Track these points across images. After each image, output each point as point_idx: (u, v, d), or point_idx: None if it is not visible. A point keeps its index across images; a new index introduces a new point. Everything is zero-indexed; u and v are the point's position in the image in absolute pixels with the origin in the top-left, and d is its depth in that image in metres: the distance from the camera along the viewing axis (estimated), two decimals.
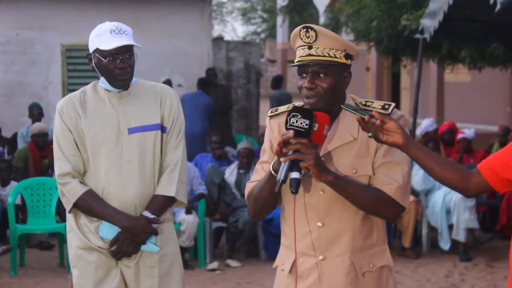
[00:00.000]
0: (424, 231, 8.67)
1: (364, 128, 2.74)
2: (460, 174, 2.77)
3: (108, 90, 3.84)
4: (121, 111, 3.83)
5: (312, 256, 2.94)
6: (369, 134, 2.74)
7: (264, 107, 19.25)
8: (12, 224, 7.73)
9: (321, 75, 2.86)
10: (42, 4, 12.49)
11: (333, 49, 2.86)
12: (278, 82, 14.84)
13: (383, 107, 2.92)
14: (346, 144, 2.91)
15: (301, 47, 2.90)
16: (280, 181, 2.70)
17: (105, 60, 3.74)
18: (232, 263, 8.17)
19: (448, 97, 17.73)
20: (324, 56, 2.85)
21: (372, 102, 2.96)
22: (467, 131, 10.19)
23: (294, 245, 2.94)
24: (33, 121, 10.53)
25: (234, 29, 66.47)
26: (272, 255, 8.36)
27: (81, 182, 3.80)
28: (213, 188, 8.38)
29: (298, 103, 3.04)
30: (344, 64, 2.90)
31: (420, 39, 9.04)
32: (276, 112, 3.05)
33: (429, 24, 8.42)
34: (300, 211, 2.93)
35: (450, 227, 8.59)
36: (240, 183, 8.42)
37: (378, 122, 2.70)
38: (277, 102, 13.33)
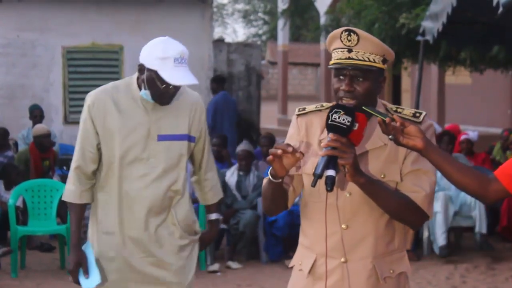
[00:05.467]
0: (425, 233, 8.67)
1: (384, 130, 2.72)
2: (479, 181, 2.75)
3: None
4: (154, 116, 3.85)
5: (334, 257, 2.93)
6: (390, 137, 2.72)
7: (265, 109, 19.23)
8: (13, 226, 7.72)
9: (360, 79, 2.85)
10: (43, 6, 12.49)
11: (372, 53, 2.85)
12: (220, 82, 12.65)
13: (414, 115, 2.91)
14: (377, 148, 2.90)
15: (339, 49, 2.88)
16: (317, 175, 2.67)
17: (159, 84, 3.73)
18: (233, 265, 8.17)
19: (449, 99, 17.73)
20: (364, 60, 2.84)
21: (403, 109, 2.95)
22: (470, 133, 10.20)
23: (325, 245, 2.92)
24: (34, 123, 10.53)
25: (235, 31, 66.54)
26: (272, 257, 8.37)
27: (87, 180, 3.89)
28: None
29: (326, 103, 3.01)
30: (381, 68, 2.90)
31: (421, 41, 9.03)
32: (304, 111, 3.04)
33: (431, 26, 8.42)
34: (325, 212, 2.91)
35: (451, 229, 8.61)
36: (240, 185, 8.42)
37: (398, 124, 2.69)
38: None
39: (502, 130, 11.59)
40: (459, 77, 17.68)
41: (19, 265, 7.92)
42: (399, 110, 2.94)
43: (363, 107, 2.78)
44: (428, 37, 8.66)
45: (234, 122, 12.09)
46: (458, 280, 7.74)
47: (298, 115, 3.05)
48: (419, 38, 9.04)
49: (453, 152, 9.00)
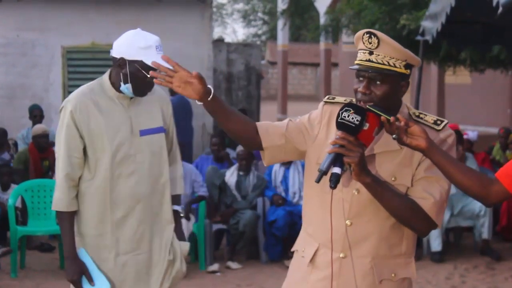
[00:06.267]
0: None
1: (388, 130, 2.73)
2: (480, 182, 2.75)
3: (121, 93, 3.88)
4: (132, 112, 3.91)
5: (334, 251, 2.93)
6: (393, 136, 2.73)
7: (265, 109, 19.22)
8: (12, 226, 7.72)
9: (378, 82, 2.84)
10: (43, 6, 12.49)
11: (393, 58, 2.85)
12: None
13: (435, 122, 2.91)
14: (391, 151, 2.90)
15: (362, 50, 2.89)
16: (322, 172, 2.68)
17: (146, 74, 3.74)
18: (233, 265, 8.17)
19: (449, 99, 17.73)
20: (383, 64, 2.84)
21: (426, 115, 2.95)
22: (470, 133, 10.21)
23: (328, 237, 2.92)
24: (34, 123, 10.53)
25: (235, 31, 66.52)
26: (272, 257, 8.37)
27: (75, 187, 3.88)
28: (214, 190, 8.38)
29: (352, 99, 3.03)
30: (403, 73, 2.88)
31: (421, 41, 9.03)
32: (332, 100, 3.06)
33: (430, 26, 8.42)
34: (333, 206, 2.90)
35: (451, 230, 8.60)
36: (240, 185, 8.41)
37: (402, 124, 2.70)
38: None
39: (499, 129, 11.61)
40: (459, 77, 17.70)
41: (19, 265, 7.92)
42: (421, 115, 2.94)
43: (368, 106, 2.79)
44: (428, 37, 8.66)
45: (191, 122, 11.91)
46: (457, 280, 7.75)
47: (326, 102, 3.06)
48: (419, 38, 9.04)
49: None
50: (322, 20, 18.36)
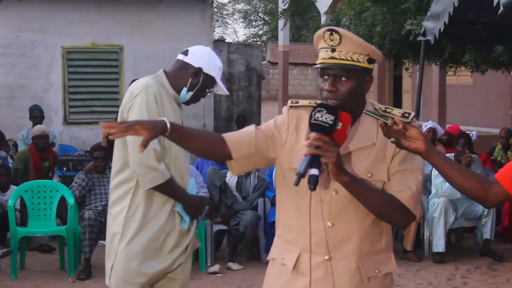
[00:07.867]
0: (426, 234, 8.65)
1: (386, 133, 2.72)
2: (480, 184, 2.75)
3: (176, 94, 4.14)
4: (181, 111, 4.18)
5: (317, 254, 2.92)
6: (392, 140, 2.72)
7: (266, 109, 19.21)
8: (12, 226, 7.71)
9: (343, 78, 2.84)
10: (43, 6, 12.48)
11: (356, 53, 2.84)
12: None
13: (403, 115, 2.89)
14: (365, 148, 2.89)
15: (324, 49, 2.88)
16: (300, 174, 2.65)
17: (209, 87, 4.15)
18: (234, 266, 8.15)
19: (450, 100, 17.70)
20: (347, 60, 2.84)
21: (392, 109, 2.94)
22: (469, 133, 10.17)
23: (309, 242, 2.91)
24: (34, 124, 10.52)
25: (235, 31, 66.55)
26: None
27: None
28: (214, 191, 8.36)
29: (320, 101, 2.99)
30: (366, 68, 2.88)
31: (422, 41, 9.00)
32: (297, 104, 3.04)
33: (432, 26, 8.40)
34: (312, 209, 2.89)
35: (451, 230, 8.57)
36: (241, 186, 8.40)
37: (400, 127, 2.68)
38: None
39: (501, 130, 11.60)
40: (460, 78, 17.68)
41: (19, 266, 7.90)
42: (388, 110, 2.93)
43: (364, 111, 2.79)
44: (429, 37, 8.63)
45: None
46: (459, 281, 7.73)
47: (291, 106, 3.04)
48: (420, 38, 9.02)
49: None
50: (323, 20, 18.33)
